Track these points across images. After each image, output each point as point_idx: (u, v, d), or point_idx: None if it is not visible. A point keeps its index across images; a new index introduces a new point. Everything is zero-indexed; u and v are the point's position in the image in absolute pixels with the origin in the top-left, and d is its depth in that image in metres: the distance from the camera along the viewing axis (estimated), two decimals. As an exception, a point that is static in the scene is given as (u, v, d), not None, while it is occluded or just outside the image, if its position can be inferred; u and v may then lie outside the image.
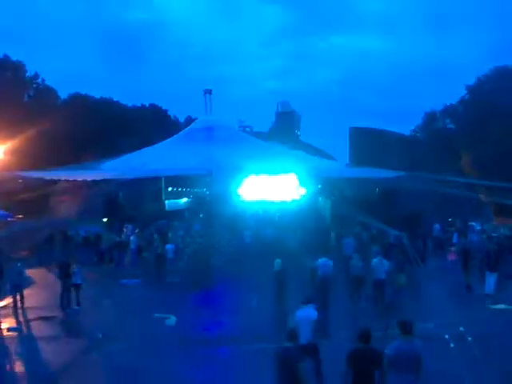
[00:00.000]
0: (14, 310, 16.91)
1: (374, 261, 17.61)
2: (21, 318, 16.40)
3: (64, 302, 17.83)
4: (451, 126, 57.47)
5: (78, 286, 18.11)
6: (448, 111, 56.35)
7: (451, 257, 21.99)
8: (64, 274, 18.13)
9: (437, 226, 29.75)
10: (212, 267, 21.97)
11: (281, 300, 16.40)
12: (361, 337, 8.12)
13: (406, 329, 8.16)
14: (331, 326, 13.64)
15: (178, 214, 34.94)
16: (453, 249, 22.84)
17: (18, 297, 17.36)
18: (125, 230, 28.75)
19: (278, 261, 16.98)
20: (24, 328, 15.77)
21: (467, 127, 48.87)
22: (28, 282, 19.79)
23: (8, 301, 16.83)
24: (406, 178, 28.58)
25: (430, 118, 58.47)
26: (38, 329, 15.86)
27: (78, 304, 17.98)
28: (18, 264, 17.94)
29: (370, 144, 47.63)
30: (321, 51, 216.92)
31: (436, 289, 17.28)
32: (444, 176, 28.29)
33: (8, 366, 12.32)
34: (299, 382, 8.21)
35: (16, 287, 17.17)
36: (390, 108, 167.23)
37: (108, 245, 27.07)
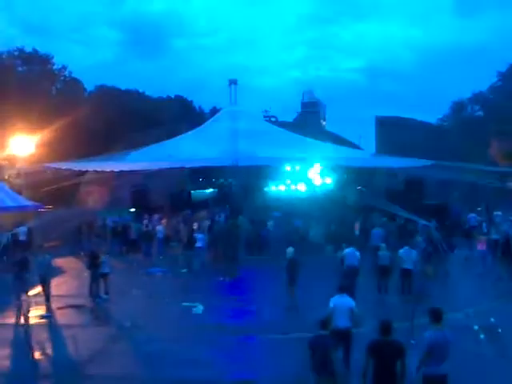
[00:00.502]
0: (43, 299, 17.03)
1: (402, 251, 17.50)
2: (51, 306, 16.62)
3: (93, 291, 18.06)
4: (480, 113, 56.58)
5: (105, 275, 18.31)
6: (477, 98, 55.50)
7: (481, 246, 21.67)
8: (92, 264, 18.34)
9: (472, 216, 29.16)
10: (238, 256, 22.10)
11: (292, 287, 16.44)
12: (381, 329, 8.16)
13: (438, 317, 8.20)
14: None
15: (203, 204, 35.09)
16: (482, 238, 22.50)
17: (45, 287, 17.22)
18: (146, 221, 28.92)
19: (290, 249, 17.00)
20: (54, 316, 16.01)
21: (497, 114, 48.00)
22: (55, 273, 20.00)
23: (38, 290, 17.03)
24: (433, 167, 28.25)
25: (458, 105, 57.66)
26: (68, 317, 16.13)
27: (107, 293, 18.19)
28: (47, 256, 17.84)
29: (396, 133, 47.21)
30: (344, 39, 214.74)
31: (465, 279, 17.10)
32: (472, 165, 27.91)
33: (39, 353, 12.55)
34: (332, 369, 8.37)
35: (44, 278, 17.04)
36: (416, 96, 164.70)
37: (136, 235, 27.31)
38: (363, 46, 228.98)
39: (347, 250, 17.46)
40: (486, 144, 44.33)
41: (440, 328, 8.19)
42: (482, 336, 12.31)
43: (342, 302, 10.75)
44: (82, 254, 21.90)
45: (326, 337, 8.76)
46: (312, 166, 35.20)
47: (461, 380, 8.59)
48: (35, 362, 11.69)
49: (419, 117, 61.59)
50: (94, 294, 18.01)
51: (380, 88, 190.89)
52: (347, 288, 11.44)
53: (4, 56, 48.59)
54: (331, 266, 18.05)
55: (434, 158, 29.83)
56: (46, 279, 17.04)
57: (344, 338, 10.38)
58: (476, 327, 12.62)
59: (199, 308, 16.44)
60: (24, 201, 29.60)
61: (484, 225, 26.62)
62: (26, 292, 15.71)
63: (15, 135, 34.56)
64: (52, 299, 17.06)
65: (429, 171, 28.92)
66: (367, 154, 44.65)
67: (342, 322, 10.47)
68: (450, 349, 8.10)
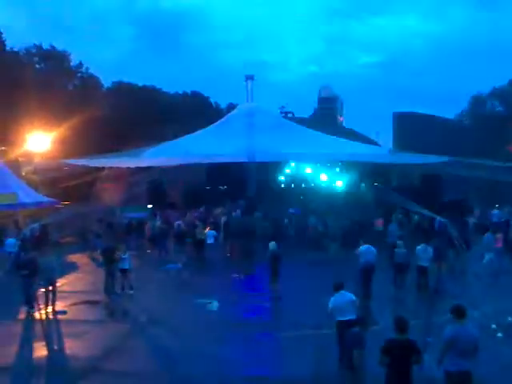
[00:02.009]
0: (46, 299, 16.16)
1: (418, 248, 17.37)
2: (67, 302, 16.65)
3: (108, 287, 18.13)
4: (500, 108, 55.87)
5: (126, 272, 18.34)
6: (497, 93, 54.79)
7: (498, 244, 21.35)
8: (108, 260, 18.39)
9: (495, 212, 28.81)
10: (253, 253, 22.04)
11: (275, 279, 17.17)
12: (397, 327, 8.11)
13: (461, 313, 8.18)
14: (374, 312, 13.52)
15: (219, 200, 35.08)
16: (499, 236, 22.17)
17: (53, 288, 16.48)
18: (160, 217, 28.98)
19: (272, 243, 17.77)
20: (70, 311, 16.06)
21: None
22: (63, 273, 19.82)
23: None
24: (451, 163, 27.92)
25: (478, 101, 56.96)
26: (83, 313, 16.20)
27: (131, 288, 18.27)
28: (53, 257, 17.26)
29: (414, 129, 46.78)
30: (362, 34, 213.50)
31: (482, 276, 16.86)
32: (491, 161, 27.51)
33: (54, 348, 12.59)
34: (352, 364, 8.58)
35: (50, 281, 16.26)
36: (434, 91, 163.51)
37: (151, 231, 27.37)
38: (381, 40, 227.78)
39: (363, 247, 17.34)
40: (506, 140, 43.75)
41: (463, 324, 8.13)
42: (499, 335, 12.12)
43: (341, 299, 10.84)
44: (98, 251, 21.89)
45: (356, 334, 8.92)
46: (329, 162, 35.00)
47: (479, 378, 8.42)
48: (50, 358, 11.70)
49: (437, 112, 61.26)
50: (109, 290, 18.06)
51: (397, 83, 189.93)
52: (342, 285, 11.31)
53: (22, 53, 49.00)
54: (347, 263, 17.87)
55: (453, 154, 29.50)
56: (52, 282, 16.33)
57: (343, 330, 10.21)
58: (494, 326, 12.44)
59: (214, 304, 16.44)
60: (40, 197, 29.83)
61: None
62: (35, 296, 15.22)
63: (32, 131, 34.84)
64: (67, 295, 17.09)
65: (447, 168, 28.61)
66: (384, 150, 44.32)
67: (345, 316, 10.50)
68: (475, 345, 8.04)
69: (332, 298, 10.91)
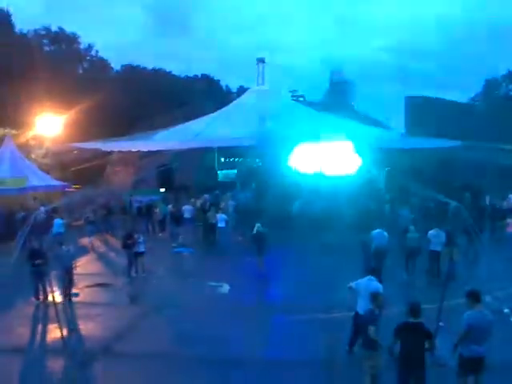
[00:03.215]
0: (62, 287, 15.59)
1: (431, 232, 17.22)
2: (79, 285, 16.65)
3: (130, 269, 18.27)
4: (515, 91, 55.30)
5: (140, 255, 18.49)
6: (512, 77, 54.16)
7: (510, 229, 21.19)
8: (126, 244, 18.42)
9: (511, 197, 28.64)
10: (263, 237, 21.97)
11: (260, 258, 18.42)
12: (410, 311, 8.15)
13: (477, 298, 8.18)
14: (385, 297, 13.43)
15: (230, 184, 35.01)
16: (511, 221, 21.98)
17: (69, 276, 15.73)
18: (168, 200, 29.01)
19: (258, 224, 18.94)
20: (82, 294, 16.11)
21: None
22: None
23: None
24: (464, 147, 27.65)
25: (492, 84, 56.25)
26: (96, 295, 16.30)
27: (144, 271, 18.45)
28: (71, 248, 16.33)
29: (426, 113, 46.32)
30: (373, 18, 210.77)
31: (495, 261, 16.70)
32: (505, 145, 27.18)
33: (67, 330, 12.64)
34: (371, 342, 8.54)
35: (67, 270, 15.48)
36: (447, 75, 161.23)
37: (162, 214, 27.38)
38: (392, 24, 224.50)
39: (374, 232, 17.22)
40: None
41: (480, 309, 8.10)
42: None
43: (368, 285, 10.57)
44: (119, 234, 22.03)
45: (371, 311, 8.98)
46: (340, 146, 34.70)
47: (492, 364, 8.37)
48: (63, 340, 11.74)
49: (450, 96, 60.41)
50: (130, 272, 18.22)
51: (409, 67, 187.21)
52: (377, 271, 11.30)
53: (31, 35, 48.86)
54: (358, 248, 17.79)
55: (466, 138, 29.18)
56: (68, 269, 15.61)
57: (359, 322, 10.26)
58: (506, 310, 12.36)
59: (225, 287, 16.46)
60: (51, 180, 29.92)
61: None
62: (45, 287, 14.57)
63: (42, 115, 34.85)
64: (79, 278, 17.03)
65: (460, 152, 28.34)
66: (397, 134, 44.01)
67: (363, 306, 10.25)
68: (490, 331, 8.05)
69: (359, 280, 10.88)
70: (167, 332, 12.71)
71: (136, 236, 18.67)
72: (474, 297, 8.15)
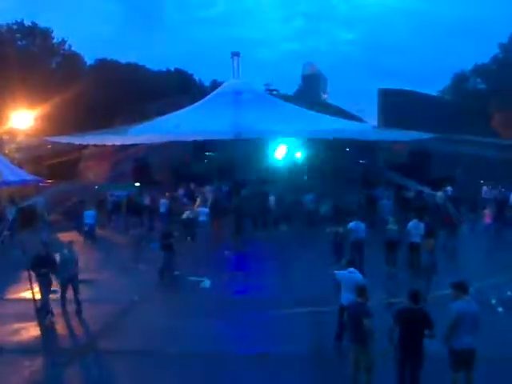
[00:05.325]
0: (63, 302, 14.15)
1: (410, 224, 17.36)
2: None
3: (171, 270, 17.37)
4: (482, 85, 56.10)
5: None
6: (479, 71, 54.97)
7: (487, 220, 21.58)
8: (165, 245, 17.46)
9: (485, 189, 29.21)
10: (243, 230, 22.00)
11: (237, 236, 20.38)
12: (410, 297, 8.27)
13: (465, 289, 8.24)
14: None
15: (205, 177, 34.89)
16: (487, 212, 22.39)
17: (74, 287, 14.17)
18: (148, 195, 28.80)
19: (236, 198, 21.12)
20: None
21: (500, 86, 47.60)
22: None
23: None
24: (436, 139, 27.98)
25: (460, 78, 57.12)
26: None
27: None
28: (74, 248, 14.71)
29: (399, 106, 46.55)
30: (341, 11, 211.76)
31: (475, 252, 16.99)
32: (475, 137, 27.60)
33: (47, 328, 12.48)
34: (365, 335, 8.49)
35: (72, 277, 14.01)
36: (416, 69, 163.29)
37: (139, 209, 27.17)
38: (360, 17, 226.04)
39: (351, 224, 17.35)
40: (489, 116, 43.97)
41: (468, 300, 8.19)
42: (499, 309, 12.21)
43: (350, 277, 10.66)
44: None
45: (360, 304, 8.87)
46: (314, 138, 34.82)
47: (482, 355, 8.44)
48: (44, 337, 11.59)
49: (420, 89, 60.98)
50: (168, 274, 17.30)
51: (379, 60, 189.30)
52: (355, 262, 11.39)
53: (3, 29, 48.01)
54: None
55: (437, 131, 29.54)
56: (74, 278, 14.10)
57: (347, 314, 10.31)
58: (494, 301, 12.51)
59: (206, 282, 16.39)
60: (25, 175, 29.39)
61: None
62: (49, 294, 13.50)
63: (15, 109, 34.29)
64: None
65: (432, 144, 28.66)
66: (370, 126, 44.24)
67: (348, 298, 10.30)
68: (478, 322, 8.11)
69: (340, 272, 10.95)
70: (149, 329, 12.49)
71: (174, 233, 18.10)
72: (462, 288, 8.22)
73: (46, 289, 13.37)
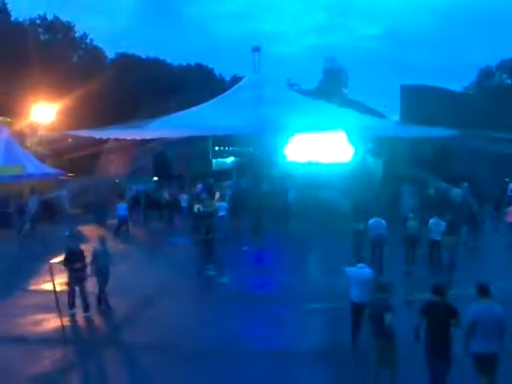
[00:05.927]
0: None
1: (431, 221, 17.12)
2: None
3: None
4: (509, 81, 55.25)
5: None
6: (506, 66, 54.11)
7: (510, 218, 21.16)
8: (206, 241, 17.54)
9: (511, 186, 28.79)
10: (261, 226, 21.88)
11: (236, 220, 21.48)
12: (435, 291, 8.24)
13: (485, 291, 8.01)
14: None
15: (224, 173, 34.90)
16: (511, 210, 21.97)
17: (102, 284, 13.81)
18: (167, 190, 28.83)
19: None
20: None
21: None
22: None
23: (61, 257, 15.72)
24: (460, 136, 27.56)
25: (485, 73, 56.28)
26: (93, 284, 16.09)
27: None
28: (105, 243, 14.22)
29: (422, 102, 45.98)
30: (363, 5, 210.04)
31: (497, 250, 16.67)
32: (500, 134, 27.14)
33: (66, 320, 12.51)
34: (386, 330, 8.40)
35: (102, 272, 13.60)
36: (440, 64, 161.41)
37: (158, 203, 27.24)
38: (383, 11, 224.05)
39: (371, 221, 17.14)
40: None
41: (488, 302, 7.92)
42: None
43: (358, 272, 10.64)
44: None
45: (381, 299, 8.74)
46: (334, 135, 34.57)
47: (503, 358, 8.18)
48: (62, 329, 11.63)
49: (443, 85, 60.15)
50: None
51: (401, 55, 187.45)
52: (366, 259, 11.28)
53: (26, 24, 48.43)
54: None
55: (461, 127, 29.11)
56: (105, 273, 13.68)
57: (357, 311, 10.29)
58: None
59: (225, 277, 16.31)
60: (47, 168, 29.68)
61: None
62: (85, 295, 13.22)
63: (37, 103, 34.58)
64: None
65: (456, 141, 28.27)
66: (392, 122, 43.83)
67: (357, 295, 10.36)
68: (502, 325, 7.81)
69: (350, 269, 10.90)
70: (166, 323, 12.48)
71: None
72: (482, 290, 7.96)
73: (81, 284, 13.18)
